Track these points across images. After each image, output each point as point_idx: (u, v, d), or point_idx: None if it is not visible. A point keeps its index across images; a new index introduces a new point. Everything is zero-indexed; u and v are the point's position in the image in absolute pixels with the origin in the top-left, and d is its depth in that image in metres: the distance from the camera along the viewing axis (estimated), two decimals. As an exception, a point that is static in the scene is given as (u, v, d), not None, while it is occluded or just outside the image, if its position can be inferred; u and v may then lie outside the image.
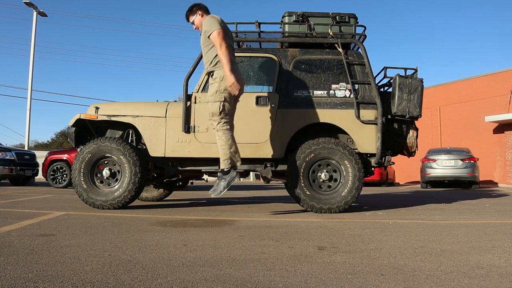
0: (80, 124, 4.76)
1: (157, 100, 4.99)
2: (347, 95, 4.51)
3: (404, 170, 20.22)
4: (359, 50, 4.67)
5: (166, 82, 64.80)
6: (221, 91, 3.81)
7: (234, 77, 3.64)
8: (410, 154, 4.85)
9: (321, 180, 4.35)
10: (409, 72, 4.65)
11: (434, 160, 12.64)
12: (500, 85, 17.22)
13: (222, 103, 3.82)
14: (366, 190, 10.31)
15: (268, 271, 1.79)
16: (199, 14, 3.95)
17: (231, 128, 3.94)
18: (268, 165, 4.51)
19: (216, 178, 3.93)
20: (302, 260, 2.02)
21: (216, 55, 3.78)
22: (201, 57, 4.50)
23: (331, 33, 4.56)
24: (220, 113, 3.82)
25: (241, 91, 3.88)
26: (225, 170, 3.84)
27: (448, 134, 19.34)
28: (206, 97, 4.01)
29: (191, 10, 3.99)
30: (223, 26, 3.78)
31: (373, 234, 2.88)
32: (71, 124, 4.68)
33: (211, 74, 3.92)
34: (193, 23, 4.01)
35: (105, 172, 4.40)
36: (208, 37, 3.76)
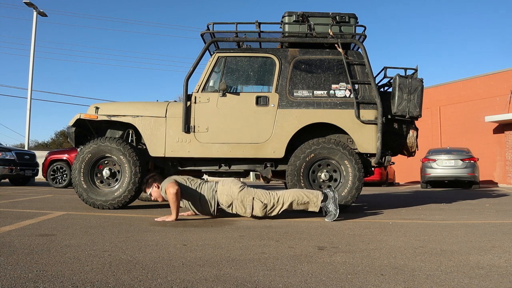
0: (80, 124, 4.76)
1: (157, 100, 4.99)
2: (347, 95, 4.51)
3: (404, 170, 20.22)
4: (359, 50, 4.67)
5: (166, 82, 64.81)
6: (242, 197, 3.59)
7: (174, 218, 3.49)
8: (410, 154, 4.85)
9: (321, 180, 4.35)
10: (409, 72, 4.65)
11: (434, 160, 12.64)
12: (500, 85, 17.22)
13: (251, 203, 3.58)
14: (366, 190, 10.31)
15: (268, 271, 1.79)
16: (155, 186, 3.76)
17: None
18: (268, 165, 4.51)
19: (324, 211, 3.69)
20: (302, 260, 2.02)
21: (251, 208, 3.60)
22: (201, 57, 4.51)
23: (331, 33, 4.56)
24: (263, 207, 3.57)
25: None
26: (322, 201, 3.62)
27: (448, 134, 19.34)
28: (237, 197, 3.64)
29: (147, 183, 3.80)
30: (179, 181, 3.61)
31: (373, 234, 2.88)
32: (71, 124, 4.68)
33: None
34: (150, 195, 3.81)
35: (105, 172, 4.40)
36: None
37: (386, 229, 3.14)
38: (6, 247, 2.21)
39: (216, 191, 3.63)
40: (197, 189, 3.65)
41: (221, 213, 3.88)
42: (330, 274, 1.75)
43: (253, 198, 3.55)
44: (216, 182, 3.75)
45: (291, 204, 3.59)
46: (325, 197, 3.62)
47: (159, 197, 3.75)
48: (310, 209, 3.64)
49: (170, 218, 3.50)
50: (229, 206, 3.61)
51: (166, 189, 3.47)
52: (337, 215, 3.60)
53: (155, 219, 3.53)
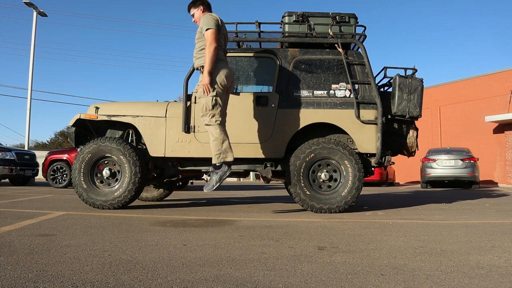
0: (80, 124, 4.76)
1: (157, 100, 4.99)
2: (347, 95, 4.51)
3: (404, 170, 20.21)
4: (359, 50, 4.67)
5: (166, 82, 64.80)
6: (213, 86, 3.84)
7: (209, 79, 3.74)
8: (410, 154, 4.85)
9: (321, 180, 4.35)
10: (409, 72, 4.65)
11: (434, 160, 12.64)
12: (500, 85, 17.22)
13: (214, 97, 3.86)
14: (366, 190, 10.31)
15: (268, 271, 1.79)
16: (201, 9, 4.03)
17: (223, 123, 3.98)
18: (268, 165, 4.51)
19: (209, 173, 3.96)
20: (302, 260, 2.02)
21: (200, 100, 3.90)
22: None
23: (331, 33, 4.56)
24: (213, 107, 3.86)
25: (231, 87, 4.02)
26: (217, 164, 3.89)
27: (448, 134, 19.34)
28: (197, 93, 4.03)
29: (194, 3, 4.06)
30: (220, 26, 3.84)
31: (373, 234, 2.88)
32: (71, 124, 4.68)
33: (201, 69, 3.96)
34: (193, 15, 4.08)
35: (105, 172, 4.40)
36: (203, 34, 3.83)
37: (386, 229, 3.14)
38: (6, 247, 2.21)
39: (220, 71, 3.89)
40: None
41: None
42: (330, 274, 1.75)
43: (212, 97, 3.83)
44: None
45: (212, 138, 3.88)
46: (219, 166, 3.86)
47: (198, 21, 4.00)
48: (212, 156, 3.91)
49: (204, 81, 3.77)
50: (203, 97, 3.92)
51: (206, 35, 3.77)
52: (213, 188, 3.82)
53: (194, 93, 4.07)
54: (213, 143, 3.88)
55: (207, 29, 3.77)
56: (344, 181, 4.31)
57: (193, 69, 4.49)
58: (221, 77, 3.86)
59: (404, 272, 1.80)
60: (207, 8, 4.07)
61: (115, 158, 4.36)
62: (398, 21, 68.81)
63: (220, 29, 3.86)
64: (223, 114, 3.99)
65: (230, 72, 3.93)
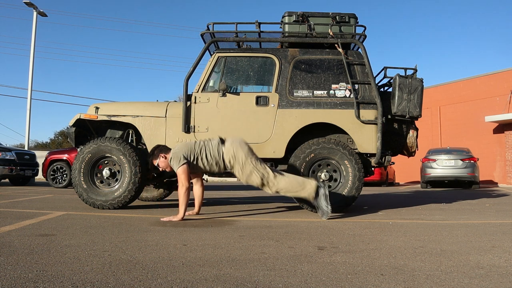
0: (80, 124, 4.76)
1: (157, 100, 4.99)
2: (347, 95, 4.51)
3: (404, 170, 20.22)
4: (359, 50, 4.68)
5: (166, 82, 64.79)
6: (243, 161, 3.64)
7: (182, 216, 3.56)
8: (410, 154, 4.85)
9: (321, 180, 4.35)
10: (409, 72, 4.65)
11: (434, 160, 12.64)
12: (500, 85, 17.21)
13: (253, 168, 3.63)
14: (366, 190, 10.31)
15: (268, 271, 1.79)
16: (162, 157, 3.77)
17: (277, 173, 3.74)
18: (268, 165, 4.51)
19: (314, 207, 3.78)
20: (302, 260, 2.02)
21: (206, 158, 3.68)
22: (201, 57, 4.51)
23: (331, 33, 4.56)
24: (262, 176, 3.64)
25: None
26: (314, 198, 3.68)
27: (448, 134, 19.34)
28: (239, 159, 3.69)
29: (153, 155, 3.81)
30: (184, 154, 3.62)
31: (373, 234, 2.88)
32: (71, 124, 4.68)
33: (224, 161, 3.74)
34: (158, 166, 3.82)
35: (105, 172, 4.40)
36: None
37: (386, 229, 3.14)
38: (6, 247, 2.21)
39: (223, 149, 3.69)
40: (203, 152, 3.69)
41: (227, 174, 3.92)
42: (330, 274, 1.75)
43: (252, 169, 3.62)
44: (222, 140, 3.76)
45: (285, 190, 3.67)
46: (316, 194, 3.67)
47: (167, 167, 3.80)
48: (303, 197, 3.73)
49: (177, 218, 3.52)
50: (231, 168, 3.71)
51: (178, 174, 3.57)
52: (329, 212, 3.64)
53: (161, 219, 3.54)
54: (290, 191, 3.69)
55: (177, 169, 3.57)
56: (344, 181, 4.31)
57: (193, 69, 4.50)
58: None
59: (404, 272, 1.80)
60: (166, 151, 3.79)
61: (115, 158, 4.36)
62: (398, 21, 68.80)
63: (190, 157, 3.65)
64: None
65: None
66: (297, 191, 3.67)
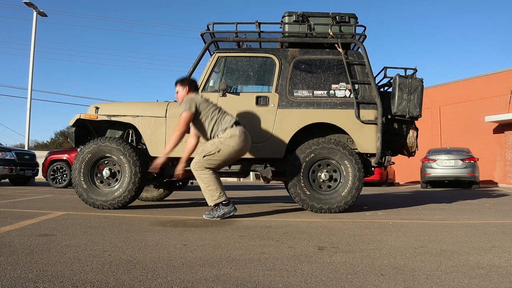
0: (80, 124, 4.76)
1: (157, 100, 4.99)
2: (347, 95, 4.51)
3: (404, 170, 20.22)
4: (359, 50, 4.67)
5: (166, 82, 64.80)
6: (222, 143, 3.69)
7: (162, 160, 3.72)
8: (410, 154, 4.85)
9: (321, 180, 4.35)
10: (409, 72, 4.65)
11: (434, 160, 12.64)
12: (500, 85, 17.22)
13: (216, 151, 3.68)
14: (366, 190, 10.31)
15: (268, 271, 1.79)
16: (186, 90, 3.87)
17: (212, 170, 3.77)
18: (268, 165, 4.51)
19: (214, 206, 3.74)
20: (302, 260, 2.02)
21: (211, 126, 3.75)
22: (201, 57, 4.51)
23: (331, 33, 4.56)
24: (208, 158, 3.68)
25: (237, 156, 3.84)
26: (224, 203, 3.70)
27: (448, 134, 19.34)
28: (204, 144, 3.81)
29: (182, 82, 3.92)
30: (197, 105, 3.71)
31: (373, 234, 2.88)
32: (71, 124, 4.68)
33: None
34: (177, 92, 3.94)
35: (105, 172, 4.40)
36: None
37: (386, 229, 3.14)
38: (6, 247, 2.21)
39: (223, 132, 3.74)
40: (211, 120, 3.77)
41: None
42: (330, 274, 1.75)
43: (204, 163, 3.69)
44: (230, 123, 3.77)
45: (203, 180, 3.69)
46: (227, 204, 3.69)
47: (180, 100, 3.95)
48: (206, 198, 3.75)
49: (160, 160, 3.79)
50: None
51: (180, 116, 3.70)
52: (212, 219, 3.63)
53: (148, 169, 3.82)
54: (205, 190, 3.74)
55: (182, 111, 3.68)
56: (344, 181, 4.31)
57: (193, 69, 4.50)
58: (231, 142, 3.72)
59: (404, 272, 1.80)
60: (192, 90, 3.91)
61: (115, 158, 4.36)
62: (398, 21, 68.80)
63: (197, 107, 3.73)
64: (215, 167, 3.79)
65: (240, 141, 3.74)
66: (212, 190, 3.68)
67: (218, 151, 3.68)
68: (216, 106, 3.85)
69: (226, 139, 3.70)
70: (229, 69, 4.61)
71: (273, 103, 4.47)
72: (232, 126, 3.74)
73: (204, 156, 3.68)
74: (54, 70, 63.74)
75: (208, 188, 3.69)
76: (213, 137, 3.78)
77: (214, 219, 3.64)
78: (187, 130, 3.79)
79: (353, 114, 4.43)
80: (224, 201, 3.70)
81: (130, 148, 4.35)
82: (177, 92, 3.96)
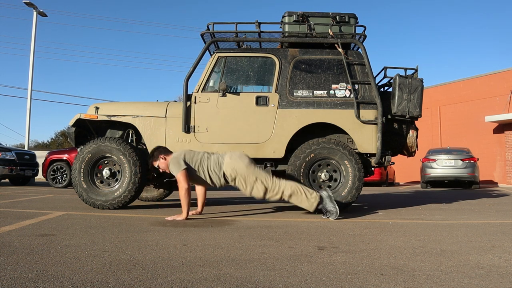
0: (80, 124, 4.76)
1: (157, 100, 4.99)
2: (347, 95, 4.51)
3: (404, 170, 20.21)
4: (359, 50, 4.67)
5: (166, 82, 64.81)
6: (243, 174, 3.64)
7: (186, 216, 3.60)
8: (410, 154, 4.85)
9: (321, 180, 4.35)
10: (409, 72, 4.65)
11: (434, 160, 12.64)
12: (500, 85, 17.21)
13: (253, 182, 3.63)
14: (366, 190, 10.31)
15: (268, 271, 1.79)
16: (162, 158, 3.78)
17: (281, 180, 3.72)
18: (268, 165, 4.51)
19: (324, 212, 3.74)
20: (302, 260, 2.02)
21: (206, 165, 3.71)
22: (201, 57, 4.51)
23: (331, 33, 4.56)
24: (265, 189, 3.63)
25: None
26: (319, 203, 3.68)
27: (448, 134, 19.34)
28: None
29: (152, 156, 3.83)
30: (184, 159, 3.65)
31: (373, 234, 2.88)
32: (71, 124, 4.68)
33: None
34: (158, 167, 3.83)
35: (105, 172, 4.40)
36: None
37: (386, 229, 3.14)
38: (6, 247, 2.21)
39: (223, 163, 3.70)
40: (204, 162, 3.70)
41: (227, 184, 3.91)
42: (330, 274, 1.75)
43: (256, 178, 3.62)
44: (222, 155, 3.78)
45: (289, 197, 3.66)
46: (321, 199, 3.68)
47: (167, 169, 3.80)
48: (304, 207, 3.71)
49: (181, 217, 3.57)
50: (232, 180, 3.70)
51: (177, 178, 3.58)
52: (338, 212, 3.66)
53: (166, 218, 3.58)
54: (296, 196, 3.68)
55: (177, 174, 3.58)
56: (344, 181, 4.31)
57: (193, 69, 4.50)
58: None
59: (404, 272, 1.80)
60: (166, 153, 3.82)
61: (115, 158, 4.36)
62: (398, 21, 68.81)
63: (189, 164, 3.67)
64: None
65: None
66: (301, 200, 3.67)
67: (253, 178, 3.62)
68: (197, 151, 3.79)
69: (238, 170, 3.64)
70: (229, 69, 4.61)
71: (273, 103, 4.47)
72: (220, 158, 3.73)
73: (267, 193, 3.62)
74: (54, 70, 63.77)
75: (299, 197, 3.66)
76: (210, 176, 3.70)
77: (338, 216, 3.66)
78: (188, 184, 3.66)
79: (353, 114, 4.43)
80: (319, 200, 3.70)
81: (130, 148, 4.35)
82: (159, 166, 3.82)
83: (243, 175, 3.63)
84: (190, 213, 3.87)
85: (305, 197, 3.66)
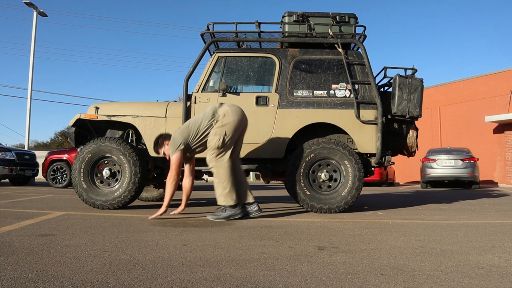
0: (80, 124, 4.76)
1: (157, 100, 4.99)
2: (347, 95, 4.51)
3: (404, 170, 20.22)
4: (359, 50, 4.68)
5: (166, 82, 64.80)
6: (222, 125, 3.64)
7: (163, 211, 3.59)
8: (410, 154, 4.85)
9: (321, 180, 4.35)
10: (409, 72, 4.65)
11: (434, 160, 12.64)
12: (500, 85, 17.21)
13: (222, 136, 3.63)
14: (366, 190, 10.31)
15: (268, 271, 1.79)
16: (167, 144, 3.81)
17: (230, 164, 3.70)
18: (268, 165, 4.51)
19: (220, 207, 3.70)
20: (302, 260, 2.02)
21: (209, 137, 3.68)
22: (201, 57, 4.51)
23: (331, 33, 4.56)
24: (219, 147, 3.62)
25: (242, 130, 3.80)
26: (231, 205, 3.64)
27: (448, 134, 19.34)
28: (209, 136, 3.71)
29: (157, 143, 3.85)
30: (184, 141, 3.65)
31: (373, 234, 2.88)
32: (71, 124, 4.68)
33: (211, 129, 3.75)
34: (164, 154, 3.86)
35: (105, 172, 4.40)
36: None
37: (386, 229, 3.14)
38: (6, 247, 2.21)
39: (219, 108, 3.69)
40: (197, 125, 3.69)
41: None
42: (330, 274, 1.75)
43: (223, 136, 3.60)
44: (220, 104, 3.75)
45: (216, 176, 3.63)
46: (234, 206, 3.64)
47: (168, 151, 3.80)
48: (216, 194, 3.67)
49: (160, 211, 3.60)
50: (214, 120, 3.68)
51: (171, 161, 3.59)
52: (217, 221, 3.55)
53: (149, 218, 3.59)
54: (216, 185, 3.67)
55: (172, 155, 3.61)
56: (344, 181, 4.31)
57: (193, 69, 4.50)
58: (233, 118, 3.67)
59: (404, 272, 1.80)
60: (168, 138, 3.84)
61: (115, 158, 4.36)
62: (398, 21, 68.81)
63: (186, 146, 3.67)
64: (232, 155, 3.73)
65: (239, 114, 3.71)
66: (223, 189, 3.61)
67: (225, 134, 3.61)
68: (195, 121, 3.73)
69: (223, 119, 3.63)
70: (229, 69, 4.61)
71: (273, 103, 4.47)
72: (219, 107, 3.70)
73: (215, 148, 3.61)
74: (54, 70, 63.73)
75: (222, 185, 3.61)
76: (208, 132, 3.69)
77: (218, 220, 3.58)
78: (180, 172, 3.65)
79: (353, 114, 4.43)
80: (233, 204, 3.64)
81: (130, 148, 4.36)
82: (165, 153, 3.86)
83: (224, 124, 3.59)
84: (172, 212, 3.84)
85: (223, 191, 3.60)
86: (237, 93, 4.52)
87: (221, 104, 3.76)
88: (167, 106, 4.59)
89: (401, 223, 3.53)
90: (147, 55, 63.24)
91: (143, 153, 4.57)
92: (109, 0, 68.28)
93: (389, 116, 4.61)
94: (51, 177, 10.03)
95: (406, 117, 4.53)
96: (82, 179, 4.35)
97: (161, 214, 3.62)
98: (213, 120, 3.67)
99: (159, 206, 4.90)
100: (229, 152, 3.68)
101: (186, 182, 3.86)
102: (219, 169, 3.63)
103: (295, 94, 4.50)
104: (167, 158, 3.87)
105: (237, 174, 3.80)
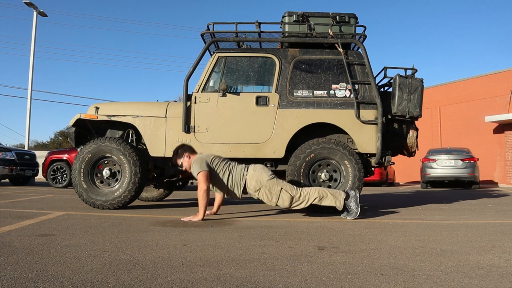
0: (80, 124, 4.76)
1: (157, 100, 4.99)
2: (347, 95, 4.51)
3: (404, 170, 20.21)
4: (359, 50, 4.67)
5: (166, 82, 64.78)
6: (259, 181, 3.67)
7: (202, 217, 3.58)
8: (410, 154, 4.85)
9: (321, 180, 4.35)
10: (409, 72, 4.65)
11: (434, 160, 12.63)
12: (500, 85, 17.21)
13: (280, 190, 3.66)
14: (366, 190, 10.31)
15: (268, 271, 1.79)
16: (187, 156, 3.81)
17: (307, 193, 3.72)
18: (268, 165, 4.51)
19: (346, 209, 3.77)
20: (302, 260, 2.02)
21: (226, 175, 3.71)
22: (201, 57, 4.51)
23: (331, 33, 4.56)
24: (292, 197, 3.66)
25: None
26: (344, 199, 3.72)
27: (448, 134, 19.33)
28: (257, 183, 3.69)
29: (177, 153, 3.83)
30: (208, 163, 3.66)
31: (373, 234, 2.88)
32: (71, 124, 4.68)
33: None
34: (181, 165, 3.84)
35: (105, 172, 4.40)
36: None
37: (386, 229, 3.14)
38: (6, 247, 2.21)
39: (246, 175, 3.71)
40: (227, 171, 3.72)
41: (246, 195, 3.91)
42: (330, 274, 1.75)
43: (281, 188, 3.65)
44: (246, 166, 3.80)
45: (315, 200, 3.69)
46: (347, 196, 3.75)
47: (189, 168, 3.81)
48: (333, 205, 3.72)
49: (197, 218, 3.57)
50: (256, 191, 3.70)
51: (197, 178, 3.59)
52: (358, 213, 3.72)
53: (182, 219, 3.57)
54: (322, 198, 3.71)
55: (197, 174, 3.59)
56: (344, 181, 4.31)
57: (193, 69, 4.50)
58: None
59: (404, 272, 1.80)
60: (192, 152, 3.85)
61: (115, 158, 4.36)
62: (398, 21, 68.79)
63: (211, 165, 3.69)
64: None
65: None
66: (330, 201, 3.69)
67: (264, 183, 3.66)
68: (225, 159, 3.83)
69: (254, 175, 3.68)
70: (229, 69, 4.61)
71: (273, 103, 4.47)
72: (244, 169, 3.75)
73: (291, 203, 3.65)
74: (54, 70, 63.67)
75: (326, 200, 3.69)
76: (231, 186, 3.72)
77: (358, 216, 3.73)
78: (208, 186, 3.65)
79: (353, 114, 4.43)
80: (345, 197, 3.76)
81: (130, 148, 4.36)
82: (182, 164, 3.83)
83: (267, 186, 3.65)
84: (207, 212, 3.87)
85: (333, 197, 3.70)
86: (237, 93, 4.52)
87: (247, 168, 3.78)
88: (167, 106, 4.59)
89: (401, 223, 3.53)
90: (147, 55, 63.24)
91: (143, 153, 4.56)
92: (110, 0, 68.27)
93: (389, 116, 4.61)
94: (51, 177, 10.02)
95: (406, 117, 4.53)
96: (82, 179, 4.35)
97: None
98: (240, 179, 3.74)
99: (159, 206, 4.91)
100: (294, 186, 3.72)
101: (218, 196, 4.01)
102: (310, 197, 3.68)
103: (295, 94, 4.50)
104: (182, 169, 3.90)
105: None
